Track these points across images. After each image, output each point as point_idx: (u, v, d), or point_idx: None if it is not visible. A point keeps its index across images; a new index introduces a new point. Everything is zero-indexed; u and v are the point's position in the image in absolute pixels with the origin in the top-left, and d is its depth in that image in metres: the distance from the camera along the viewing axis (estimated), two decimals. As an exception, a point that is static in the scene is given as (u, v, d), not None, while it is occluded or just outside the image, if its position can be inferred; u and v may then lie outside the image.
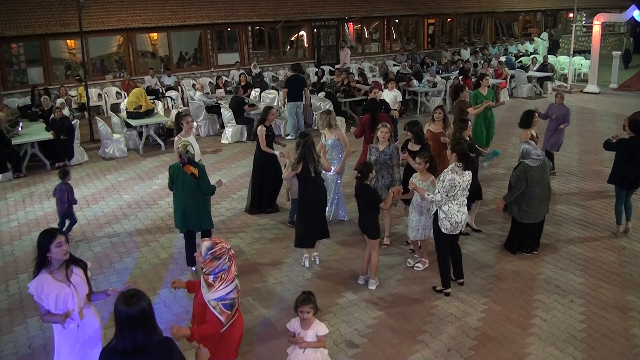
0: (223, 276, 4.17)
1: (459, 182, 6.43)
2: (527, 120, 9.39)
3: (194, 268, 7.48)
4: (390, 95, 13.75)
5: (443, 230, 6.56)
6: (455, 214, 6.47)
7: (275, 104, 15.55)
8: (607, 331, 6.04)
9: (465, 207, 6.65)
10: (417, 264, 7.52)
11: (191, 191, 7.08)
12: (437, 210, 6.58)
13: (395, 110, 13.00)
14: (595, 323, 6.18)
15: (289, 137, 14.06)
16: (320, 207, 7.53)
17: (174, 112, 14.81)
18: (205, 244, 4.23)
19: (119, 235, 8.83)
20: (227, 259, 4.20)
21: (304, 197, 7.42)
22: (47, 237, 4.31)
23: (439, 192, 6.45)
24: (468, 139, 8.54)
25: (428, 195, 6.57)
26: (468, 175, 6.55)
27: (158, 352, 3.37)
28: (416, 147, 8.02)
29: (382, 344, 5.87)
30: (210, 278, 4.17)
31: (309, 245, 7.59)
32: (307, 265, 7.61)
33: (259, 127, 9.28)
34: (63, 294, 4.33)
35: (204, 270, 4.20)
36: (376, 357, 5.70)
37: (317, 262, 7.70)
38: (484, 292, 6.85)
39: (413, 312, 6.47)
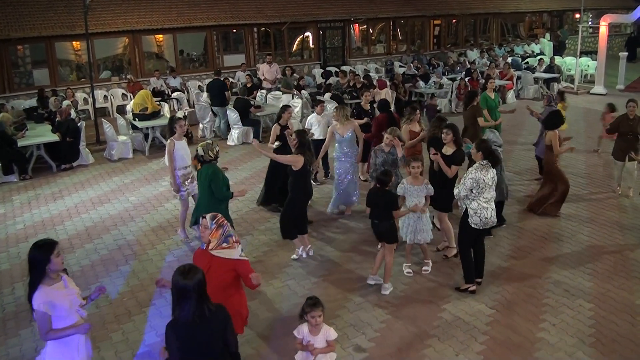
0: (233, 239, 4.83)
1: (484, 180, 6.46)
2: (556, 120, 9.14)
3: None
4: (323, 121, 10.57)
5: (472, 226, 6.58)
6: (484, 210, 6.50)
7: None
8: (616, 336, 5.99)
9: (493, 203, 6.66)
10: (424, 268, 7.46)
11: (202, 190, 7.18)
12: (466, 207, 6.65)
13: None
14: (605, 328, 6.13)
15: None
16: (306, 202, 8.00)
17: (179, 114, 14.80)
18: (207, 216, 4.81)
19: (125, 238, 8.81)
20: (227, 226, 4.87)
21: (299, 191, 7.59)
22: (46, 248, 4.09)
23: (460, 189, 6.59)
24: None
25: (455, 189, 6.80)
26: (492, 172, 6.58)
27: (216, 318, 3.78)
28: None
29: (390, 349, 5.84)
30: (225, 245, 4.76)
31: (293, 237, 7.77)
32: (305, 256, 7.84)
33: (274, 125, 9.40)
34: (68, 301, 4.15)
35: (214, 243, 4.74)
36: (384, 361, 5.66)
37: (312, 254, 7.92)
38: (492, 296, 6.80)
39: (421, 315, 6.42)
